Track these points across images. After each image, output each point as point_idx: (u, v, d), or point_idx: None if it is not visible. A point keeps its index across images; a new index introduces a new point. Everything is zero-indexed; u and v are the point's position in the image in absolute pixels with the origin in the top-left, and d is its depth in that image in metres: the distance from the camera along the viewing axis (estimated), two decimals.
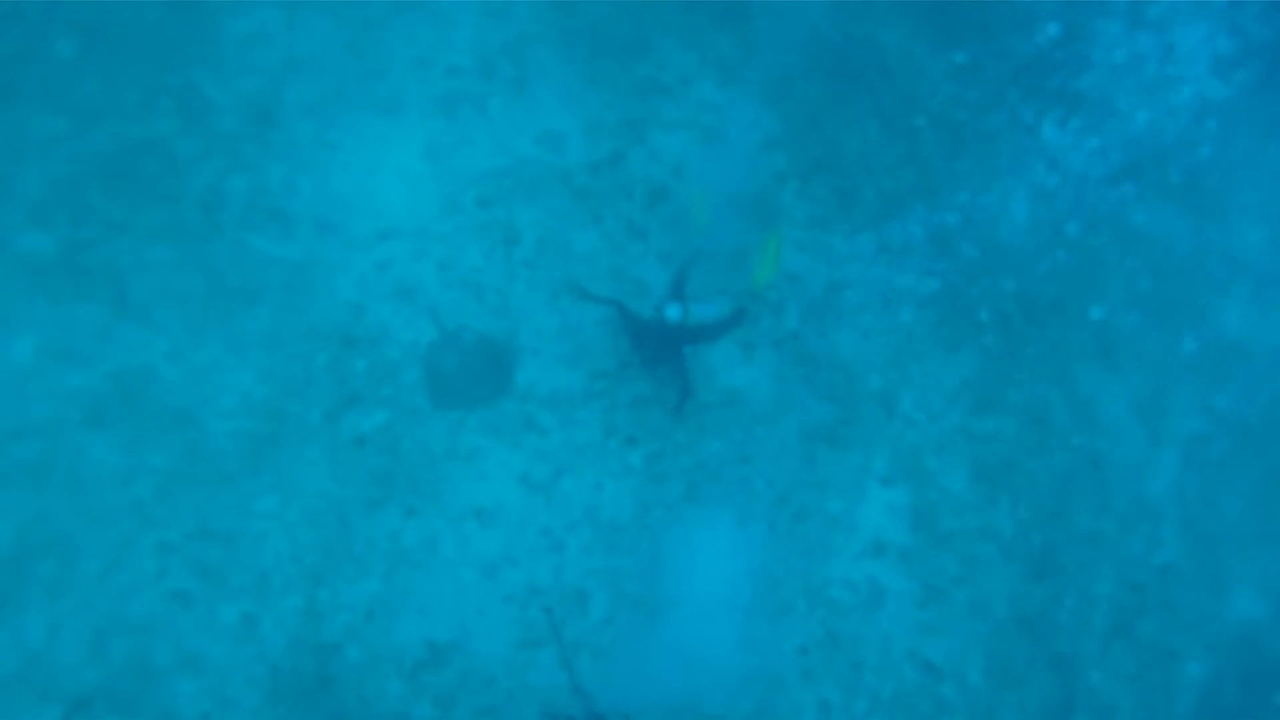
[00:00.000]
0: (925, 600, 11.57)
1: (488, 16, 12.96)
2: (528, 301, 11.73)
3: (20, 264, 11.37)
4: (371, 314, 11.71)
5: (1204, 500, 12.65)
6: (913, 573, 11.67)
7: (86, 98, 11.92)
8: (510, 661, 10.88)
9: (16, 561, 10.72)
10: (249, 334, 11.53)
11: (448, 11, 12.86)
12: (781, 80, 12.96)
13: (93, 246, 11.41)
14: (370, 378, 11.44)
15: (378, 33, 13.00)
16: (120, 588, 10.62)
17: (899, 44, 13.53)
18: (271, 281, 11.75)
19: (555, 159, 12.46)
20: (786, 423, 11.71)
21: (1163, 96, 13.74)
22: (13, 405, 11.04)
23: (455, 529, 10.97)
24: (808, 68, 13.17)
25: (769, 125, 12.68)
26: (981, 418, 12.41)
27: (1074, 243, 13.07)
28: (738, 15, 13.17)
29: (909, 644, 11.53)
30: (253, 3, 12.86)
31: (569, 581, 10.97)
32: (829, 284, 12.29)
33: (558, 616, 10.61)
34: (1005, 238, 13.04)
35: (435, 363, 11.04)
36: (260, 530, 10.94)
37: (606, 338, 11.56)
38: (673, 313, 10.32)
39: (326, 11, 12.74)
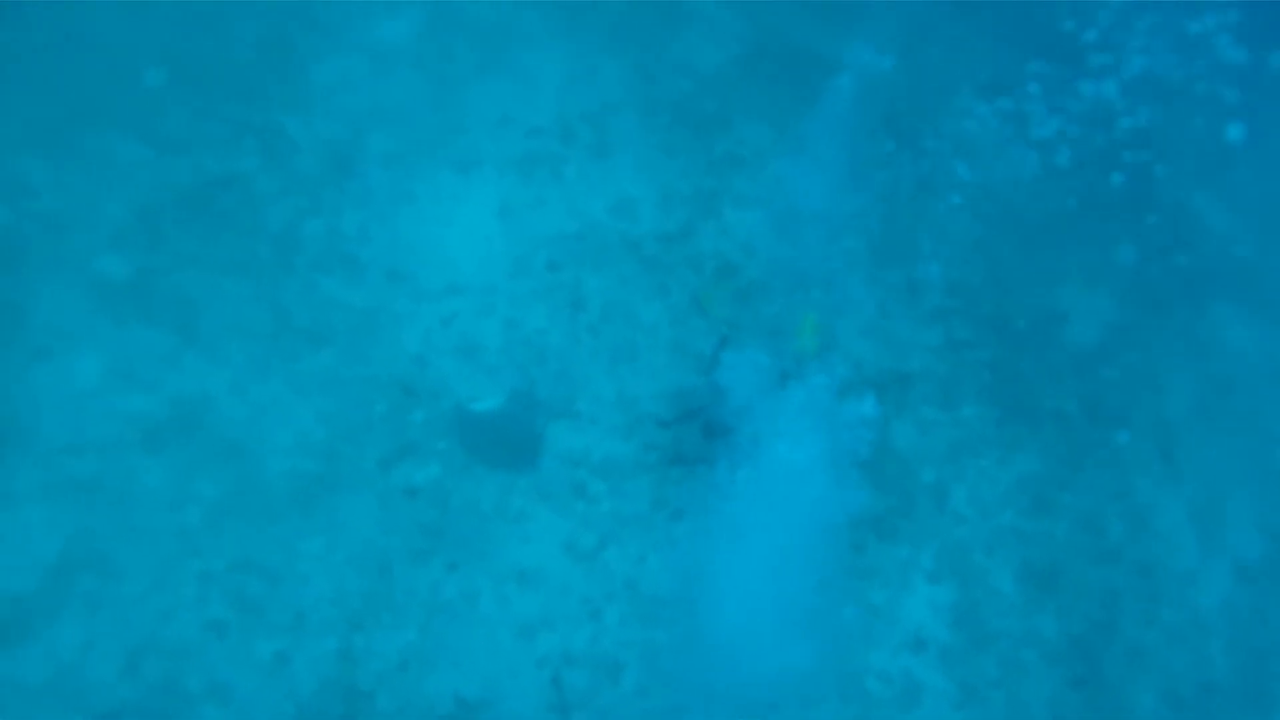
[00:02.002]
0: (962, 701, 11.41)
1: (571, 81, 13.12)
2: (589, 368, 11.69)
3: (95, 285, 11.61)
4: (433, 367, 11.79)
5: (1255, 617, 12.35)
6: (952, 672, 11.49)
7: (171, 128, 12.15)
8: None
9: (59, 573, 10.82)
10: (311, 375, 11.60)
11: (532, 74, 13.03)
12: (857, 161, 12.82)
13: (165, 274, 11.64)
14: (426, 430, 11.48)
15: (461, 89, 13.24)
16: (158, 610, 10.67)
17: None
18: (338, 325, 11.85)
19: (627, 227, 12.54)
20: (836, 508, 11.51)
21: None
22: (72, 421, 11.19)
23: (496, 588, 10.96)
24: (885, 151, 13.04)
25: (843, 206, 12.52)
26: (1034, 519, 12.26)
27: (1143, 347, 12.88)
28: (818, 96, 13.05)
29: None
30: (340, 50, 13.05)
31: (603, 651, 10.88)
32: (893, 374, 12.13)
33: (566, 686, 10.45)
34: (1072, 337, 12.87)
35: (468, 422, 10.96)
36: (303, 570, 10.95)
37: (664, 411, 11.39)
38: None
39: (412, 64, 13.07)
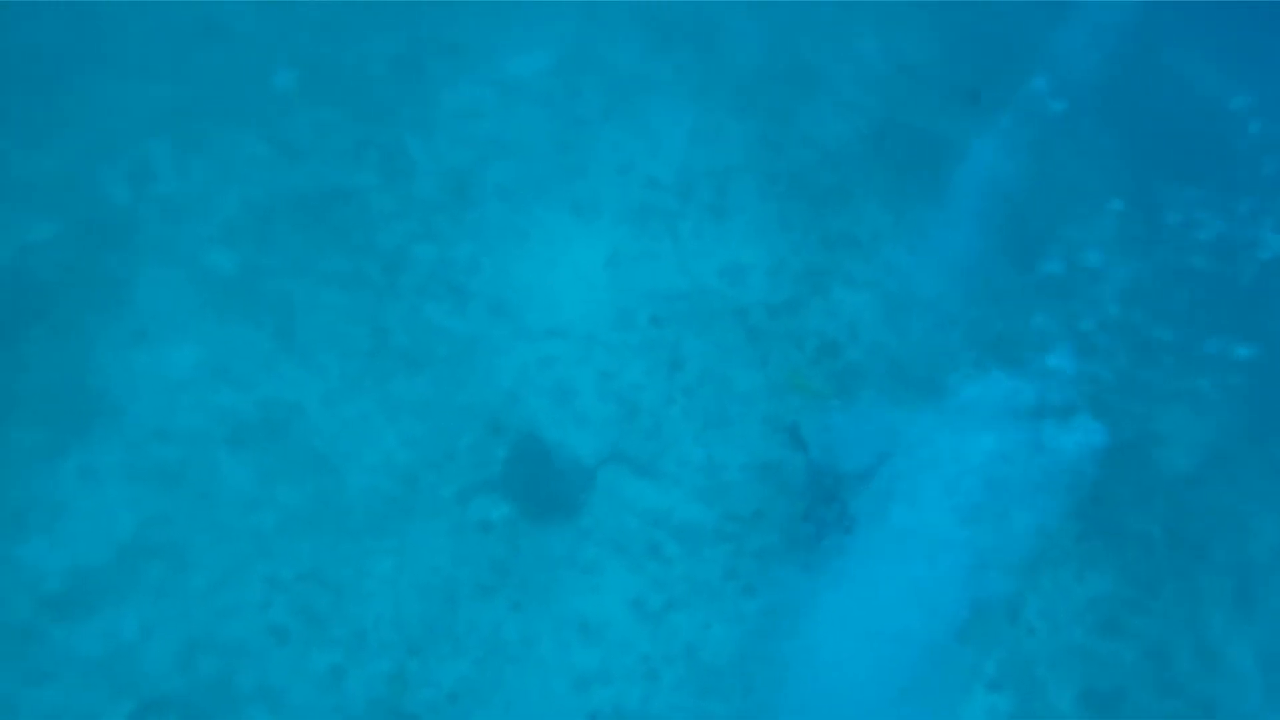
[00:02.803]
0: None
1: (697, 140, 13.33)
2: (679, 429, 11.70)
3: (201, 276, 11.79)
4: (524, 406, 11.77)
5: None
6: None
7: (296, 133, 12.31)
8: None
9: (130, 554, 10.91)
10: (403, 398, 11.64)
11: (658, 126, 13.09)
12: (974, 255, 12.68)
13: (272, 276, 11.80)
14: (508, 468, 11.49)
15: (586, 131, 13.33)
16: (222, 607, 10.69)
17: None
18: (436, 352, 11.90)
19: (735, 293, 12.54)
20: (915, 607, 11.32)
21: None
22: (162, 407, 11.36)
23: (556, 634, 10.98)
24: (1006, 248, 12.92)
25: (954, 299, 12.38)
26: (1103, 639, 12.00)
27: (1237, 480, 12.62)
28: (942, 184, 12.94)
29: None
30: (471, 79, 13.18)
31: (655, 712, 10.77)
32: (983, 477, 11.92)
33: None
34: (1167, 461, 12.63)
35: (551, 465, 11.04)
36: (369, 589, 10.95)
37: (749, 482, 11.22)
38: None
39: (540, 101, 13.28)
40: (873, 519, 10.82)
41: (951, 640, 11.04)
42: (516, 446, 11.47)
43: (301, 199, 11.96)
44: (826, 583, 10.86)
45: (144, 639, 10.59)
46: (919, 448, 11.29)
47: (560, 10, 14.36)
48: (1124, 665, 11.83)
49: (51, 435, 10.92)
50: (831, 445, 10.91)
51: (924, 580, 10.92)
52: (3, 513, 10.68)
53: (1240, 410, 13.18)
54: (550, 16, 14.29)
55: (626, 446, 11.38)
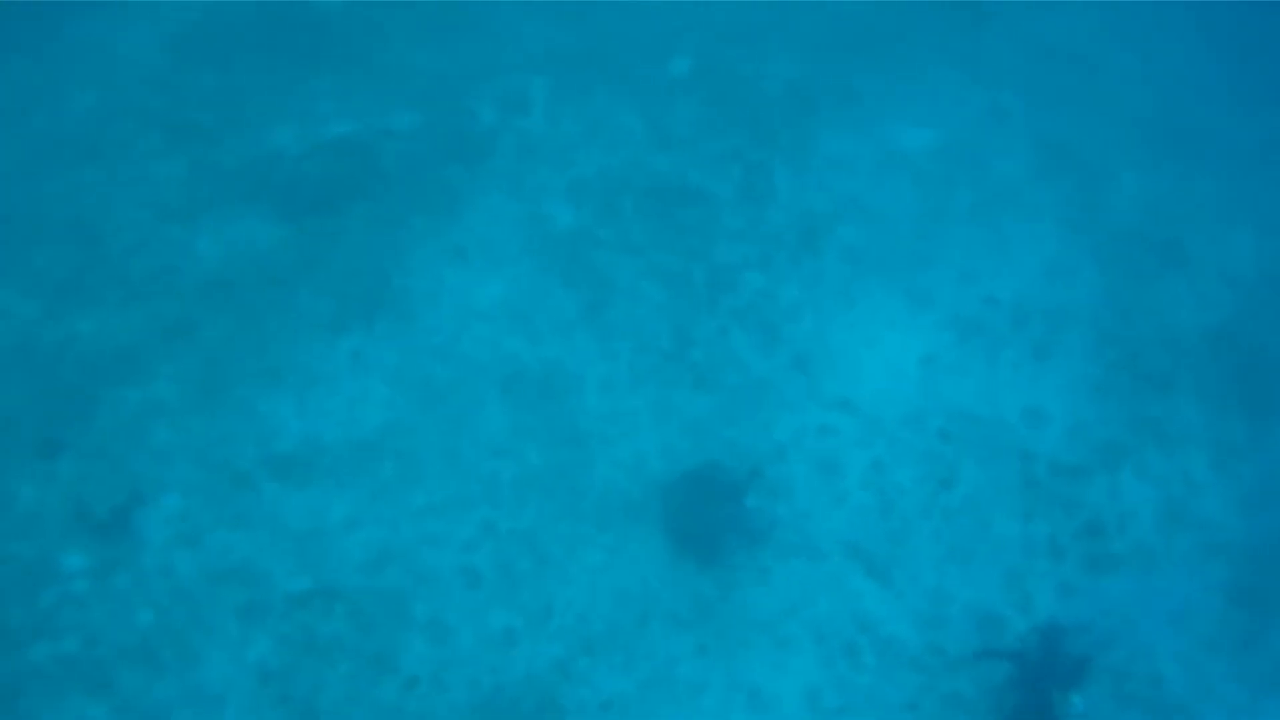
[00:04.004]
0: None
1: (1048, 273, 13.26)
2: (923, 546, 11.61)
3: (535, 222, 12.56)
4: (788, 464, 11.77)
5: None
6: None
7: (673, 121, 12.72)
8: None
9: (365, 448, 11.33)
10: (679, 410, 11.83)
11: (1016, 245, 13.30)
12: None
13: (602, 248, 12.25)
14: (751, 515, 11.41)
15: (945, 225, 13.29)
16: (430, 532, 10.97)
17: None
18: (727, 379, 11.97)
19: (1027, 438, 12.21)
20: None
21: None
22: (452, 329, 11.97)
23: (725, 692, 10.92)
24: None
25: (1229, 535, 11.68)
26: None
27: None
28: (1269, 413, 12.24)
29: None
30: (856, 133, 13.58)
31: None
32: None
33: None
34: None
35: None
36: (572, 574, 11.07)
37: (967, 626, 10.89)
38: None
39: (912, 179, 13.36)
40: None
41: None
42: (766, 499, 11.30)
43: (656, 185, 12.03)
44: None
45: (345, 529, 10.89)
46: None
47: (962, 96, 14.06)
48: None
49: (339, 311, 11.29)
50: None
51: None
52: (262, 365, 11.09)
53: None
54: (951, 99, 14.02)
55: (868, 542, 11.11)
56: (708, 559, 10.86)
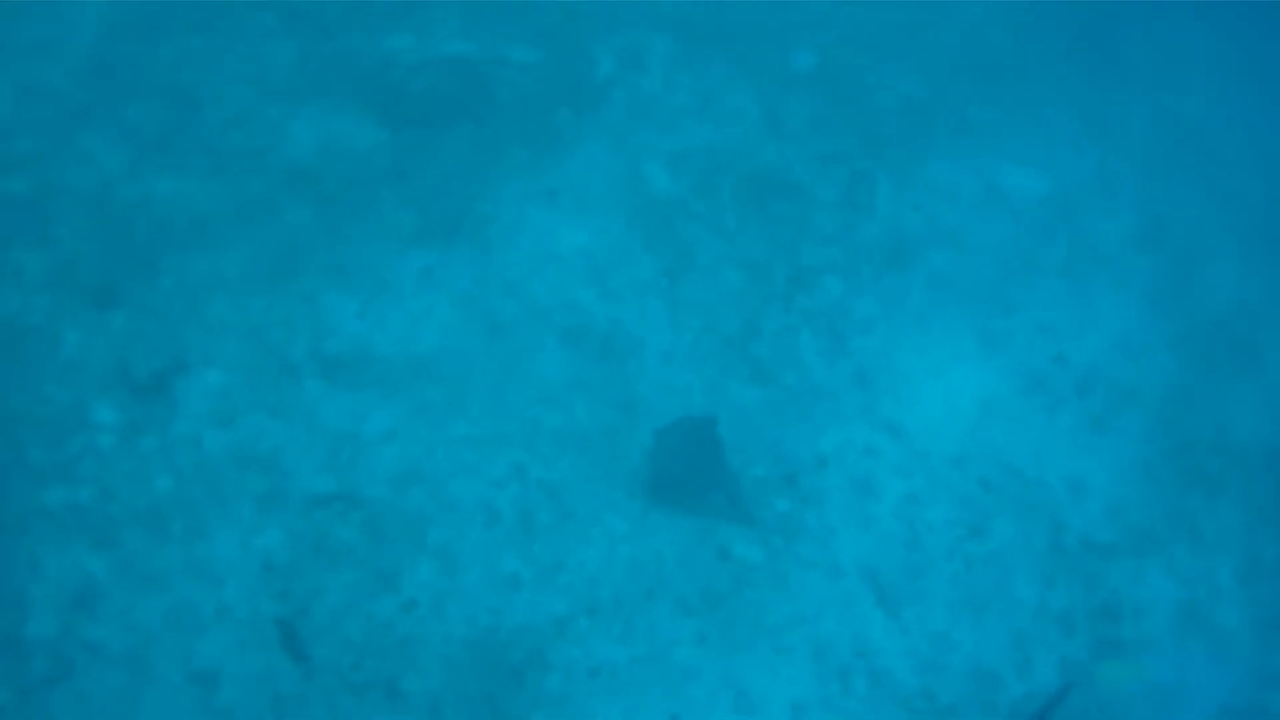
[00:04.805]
0: None
1: (1123, 347, 13.26)
2: (939, 589, 11.52)
3: (630, 181, 12.37)
4: (827, 475, 11.72)
5: None
6: None
7: (787, 113, 13.08)
8: None
9: (414, 366, 11.43)
10: (738, 401, 11.74)
11: (1097, 310, 13.32)
12: None
13: (691, 221, 12.26)
14: (780, 520, 11.35)
15: (1030, 273, 13.28)
16: (461, 462, 10.98)
17: None
18: (783, 379, 11.94)
19: (1065, 506, 12.14)
20: None
21: None
22: (528, 268, 12.06)
23: (714, 686, 10.85)
24: None
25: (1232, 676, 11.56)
26: None
27: None
28: None
29: None
30: (965, 164, 13.65)
31: None
32: None
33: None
34: None
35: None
36: (591, 536, 11.11)
37: (963, 675, 11.16)
38: None
39: (1009, 218, 13.42)
40: None
41: None
42: (798, 505, 11.41)
43: (758, 172, 12.01)
44: None
45: (379, 441, 10.94)
46: None
47: (1077, 147, 13.96)
48: None
49: (420, 226, 11.33)
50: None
51: None
52: (332, 262, 11.25)
53: None
54: (1065, 147, 13.97)
55: (887, 571, 11.23)
56: (725, 553, 10.65)
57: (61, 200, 11.38)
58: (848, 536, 11.33)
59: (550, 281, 11.51)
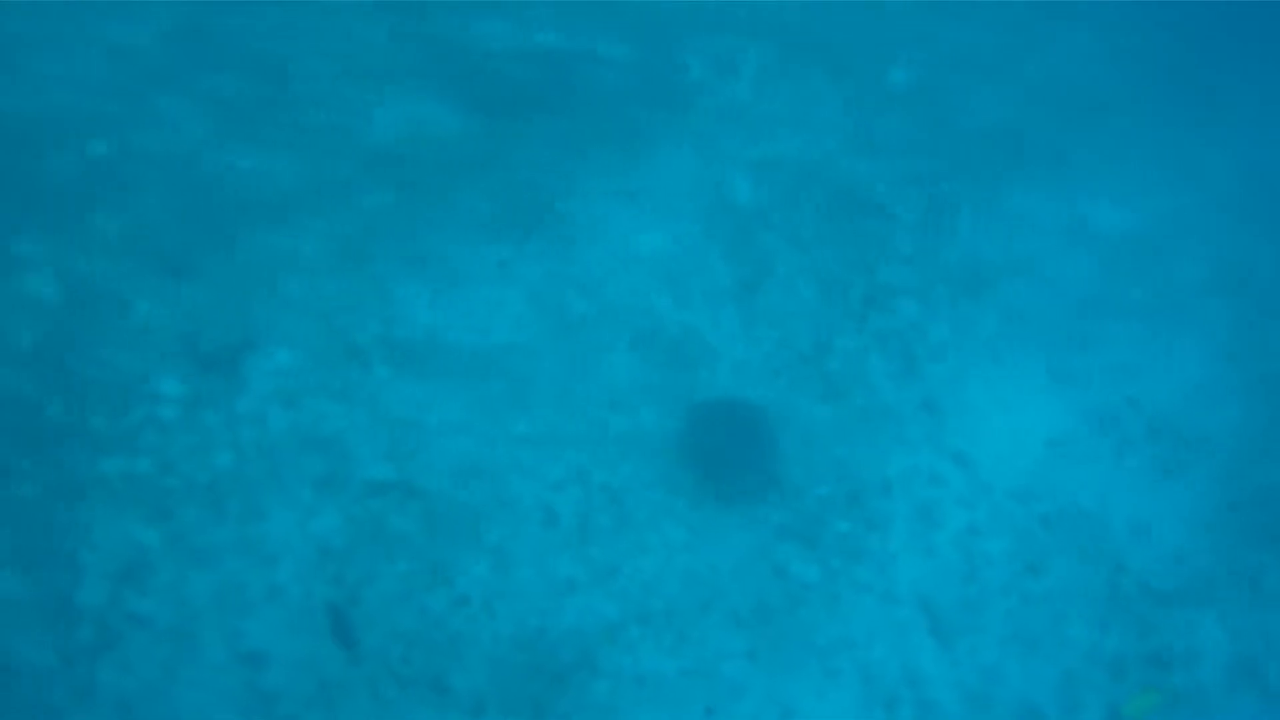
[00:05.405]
0: None
1: (1196, 395, 13.09)
2: (993, 623, 11.42)
3: (707, 188, 12.23)
4: (891, 500, 11.58)
5: None
6: None
7: (879, 130, 13.08)
8: None
9: (482, 360, 11.31)
10: (806, 418, 11.60)
11: (1173, 356, 13.20)
12: None
13: (771, 231, 12.18)
14: (841, 541, 11.25)
15: (1111, 313, 13.24)
16: (521, 461, 10.92)
17: None
18: (852, 399, 11.86)
19: (1127, 549, 12.04)
20: None
21: None
22: (601, 270, 12.00)
23: (763, 701, 10.69)
24: None
25: None
26: None
27: None
28: None
29: None
30: (1051, 194, 13.60)
31: None
32: None
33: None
34: None
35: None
36: (649, 543, 11.08)
37: (1012, 712, 10.85)
38: None
39: (1096, 255, 13.37)
40: None
41: None
42: (860, 528, 11.36)
43: (843, 188, 11.96)
44: None
45: (442, 433, 10.90)
46: None
47: (1168, 188, 13.87)
48: None
49: (498, 218, 11.34)
50: None
51: None
52: (408, 249, 11.47)
53: None
54: (1156, 188, 13.87)
55: (942, 601, 11.09)
56: (783, 571, 10.57)
57: (142, 166, 11.39)
58: (907, 563, 11.24)
59: (625, 284, 11.41)
